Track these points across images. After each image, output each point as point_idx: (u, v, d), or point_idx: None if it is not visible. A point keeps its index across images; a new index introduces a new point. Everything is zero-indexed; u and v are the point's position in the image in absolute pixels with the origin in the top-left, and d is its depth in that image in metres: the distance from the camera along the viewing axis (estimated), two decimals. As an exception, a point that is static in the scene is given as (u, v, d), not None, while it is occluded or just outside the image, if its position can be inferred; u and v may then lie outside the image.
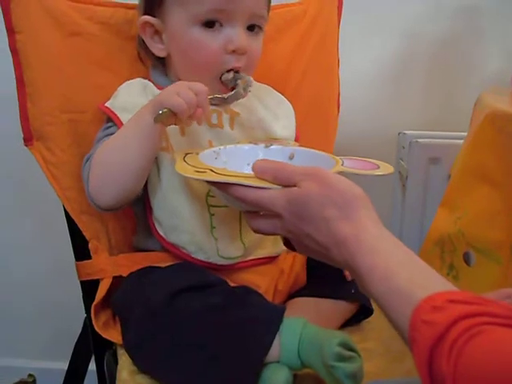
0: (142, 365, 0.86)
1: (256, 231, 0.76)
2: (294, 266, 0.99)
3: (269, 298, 0.94)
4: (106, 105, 0.93)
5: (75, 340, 1.12)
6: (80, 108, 0.97)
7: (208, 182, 0.77)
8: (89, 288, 0.98)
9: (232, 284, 0.90)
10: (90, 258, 0.98)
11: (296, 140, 1.04)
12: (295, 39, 1.15)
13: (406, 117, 1.55)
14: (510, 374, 0.47)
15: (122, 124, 0.90)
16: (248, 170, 0.77)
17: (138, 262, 0.94)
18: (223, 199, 0.81)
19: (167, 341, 0.80)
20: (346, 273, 0.95)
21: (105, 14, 1.00)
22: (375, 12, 1.46)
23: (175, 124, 0.84)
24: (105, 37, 1.00)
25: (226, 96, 0.90)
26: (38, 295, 1.59)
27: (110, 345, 0.96)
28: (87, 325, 1.00)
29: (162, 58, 0.96)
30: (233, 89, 0.91)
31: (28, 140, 0.95)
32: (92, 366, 1.09)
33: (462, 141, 1.23)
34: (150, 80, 0.98)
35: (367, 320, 0.99)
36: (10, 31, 0.93)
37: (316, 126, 1.15)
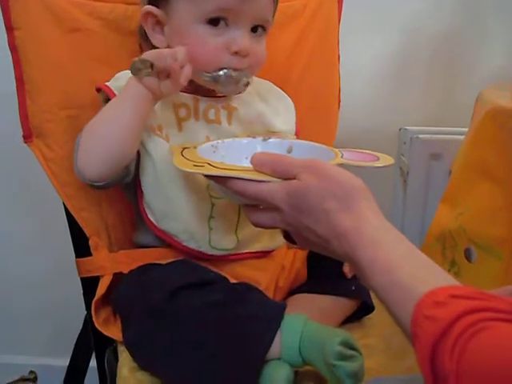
0: (142, 362, 0.86)
1: (255, 225, 0.75)
2: (294, 262, 0.99)
3: (269, 294, 0.93)
4: (107, 84, 0.92)
5: (76, 337, 1.12)
6: (79, 104, 0.96)
7: (206, 175, 0.76)
8: (89, 285, 0.98)
9: (232, 281, 0.89)
10: (90, 254, 0.97)
11: (296, 135, 1.04)
12: (295, 34, 1.14)
13: (407, 112, 1.55)
14: (514, 371, 0.46)
15: None
16: (246, 164, 0.76)
17: (138, 258, 0.94)
18: (222, 193, 0.81)
19: (167, 338, 0.80)
20: (345, 270, 0.95)
21: (104, 9, 0.99)
22: (376, 8, 1.46)
23: (154, 77, 0.83)
24: (104, 33, 0.99)
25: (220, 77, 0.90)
26: (39, 293, 1.59)
27: (110, 342, 0.96)
28: (88, 322, 1.00)
29: None
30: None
31: (27, 137, 0.95)
32: (93, 362, 1.09)
33: (463, 136, 1.23)
34: None
35: (368, 316, 0.99)
36: (9, 28, 0.93)
37: (317, 121, 1.15)
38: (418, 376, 0.53)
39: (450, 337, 0.50)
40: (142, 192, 0.92)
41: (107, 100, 0.90)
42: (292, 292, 0.98)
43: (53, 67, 0.95)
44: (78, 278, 1.00)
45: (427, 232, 1.20)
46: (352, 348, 0.77)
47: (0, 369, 1.61)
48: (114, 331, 0.93)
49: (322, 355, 0.76)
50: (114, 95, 0.89)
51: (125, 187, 0.95)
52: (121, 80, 0.91)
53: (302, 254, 1.00)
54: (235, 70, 0.90)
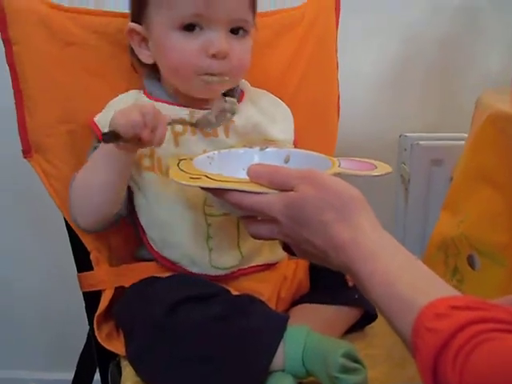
0: (145, 376, 0.86)
1: (254, 236, 0.75)
2: (296, 272, 0.99)
3: (272, 305, 0.93)
4: (95, 120, 0.93)
5: (78, 351, 1.11)
6: (78, 119, 0.96)
7: (203, 188, 0.76)
8: (91, 299, 0.98)
9: (234, 292, 0.89)
10: (91, 269, 0.97)
11: (295, 143, 1.03)
12: (293, 43, 1.14)
13: (406, 119, 1.54)
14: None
15: None
16: (243, 175, 0.76)
17: (139, 272, 0.94)
18: (219, 206, 0.80)
19: (169, 352, 0.80)
20: (348, 277, 0.94)
21: (100, 23, 0.99)
22: (374, 14, 1.45)
23: (126, 143, 0.81)
24: (101, 46, 0.99)
25: (194, 120, 0.90)
26: (41, 306, 1.59)
27: (113, 356, 0.96)
28: (91, 336, 1.00)
29: (155, 66, 0.96)
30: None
31: (27, 152, 0.95)
32: (97, 376, 1.09)
33: (463, 142, 1.22)
34: (144, 90, 0.98)
35: (370, 325, 0.99)
36: (7, 43, 0.92)
37: (316, 130, 1.14)
38: (420, 385, 0.53)
39: (451, 348, 0.50)
40: (142, 227, 0.93)
41: (97, 137, 0.92)
42: (295, 302, 0.98)
43: (50, 82, 0.95)
44: (80, 291, 0.99)
45: (429, 240, 1.19)
46: (355, 360, 0.76)
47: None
48: (117, 346, 0.93)
49: (325, 367, 0.76)
50: (101, 133, 0.89)
51: (130, 221, 0.96)
52: (109, 112, 0.91)
53: (303, 264, 0.99)
54: (213, 75, 0.90)
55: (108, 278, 0.96)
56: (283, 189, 0.69)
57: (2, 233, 1.54)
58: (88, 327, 1.02)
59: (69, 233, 1.00)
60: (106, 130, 0.86)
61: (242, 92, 1.01)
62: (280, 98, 1.06)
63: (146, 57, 0.95)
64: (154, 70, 0.97)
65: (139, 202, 0.93)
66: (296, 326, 0.82)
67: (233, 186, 0.71)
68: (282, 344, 0.79)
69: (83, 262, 0.99)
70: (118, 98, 0.96)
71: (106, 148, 0.84)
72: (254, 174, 0.72)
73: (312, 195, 0.66)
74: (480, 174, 1.10)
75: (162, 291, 0.86)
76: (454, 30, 1.51)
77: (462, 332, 0.50)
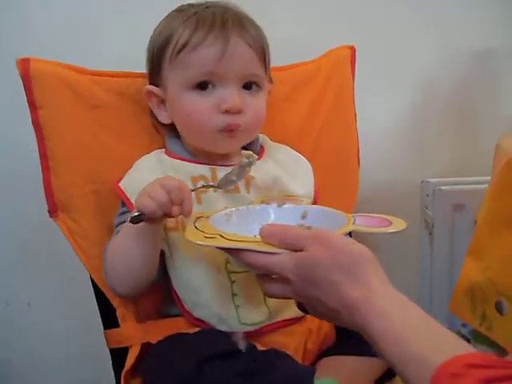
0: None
1: (268, 295, 0.76)
2: (321, 325, 0.98)
3: (298, 358, 0.93)
4: (120, 185, 0.95)
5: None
6: (102, 179, 0.98)
7: (217, 247, 0.77)
8: (118, 356, 0.98)
9: (260, 348, 0.89)
10: (117, 325, 0.97)
11: (315, 197, 1.04)
12: (311, 96, 1.16)
13: (428, 165, 1.55)
14: None
15: (133, 208, 0.88)
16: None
17: (166, 328, 0.94)
18: (236, 264, 0.81)
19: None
20: None
21: (123, 84, 1.02)
22: (389, 62, 1.47)
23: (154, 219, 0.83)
24: (124, 107, 1.02)
25: (216, 183, 0.91)
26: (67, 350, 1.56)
27: (141, 413, 0.95)
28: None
29: (174, 125, 0.98)
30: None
31: (53, 212, 0.97)
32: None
33: (485, 185, 1.21)
34: (166, 149, 0.99)
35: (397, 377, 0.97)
36: (33, 107, 0.95)
37: (337, 181, 1.15)
38: None
39: None
40: (174, 288, 0.94)
41: (123, 201, 0.94)
42: (321, 355, 0.97)
43: (75, 144, 0.98)
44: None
45: (455, 286, 1.18)
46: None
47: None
48: (144, 403, 0.92)
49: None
50: (127, 198, 0.93)
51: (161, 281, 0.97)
52: (133, 174, 0.95)
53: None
54: (229, 130, 0.91)
55: (135, 334, 0.96)
56: (294, 249, 0.70)
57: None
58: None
59: (94, 290, 1.01)
60: (131, 195, 0.89)
61: (262, 147, 1.03)
62: (300, 151, 1.08)
63: (164, 117, 0.98)
64: (173, 129, 0.99)
65: (169, 264, 0.94)
66: (324, 379, 0.82)
67: (245, 245, 0.73)
68: (310, 398, 0.78)
69: (109, 318, 0.99)
70: (141, 159, 0.99)
71: (133, 226, 0.84)
72: (267, 234, 0.73)
73: (322, 256, 0.67)
74: (502, 218, 1.09)
75: (189, 348, 0.85)
76: (469, 74, 1.52)
77: None
